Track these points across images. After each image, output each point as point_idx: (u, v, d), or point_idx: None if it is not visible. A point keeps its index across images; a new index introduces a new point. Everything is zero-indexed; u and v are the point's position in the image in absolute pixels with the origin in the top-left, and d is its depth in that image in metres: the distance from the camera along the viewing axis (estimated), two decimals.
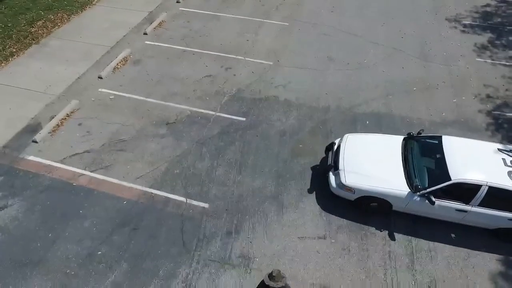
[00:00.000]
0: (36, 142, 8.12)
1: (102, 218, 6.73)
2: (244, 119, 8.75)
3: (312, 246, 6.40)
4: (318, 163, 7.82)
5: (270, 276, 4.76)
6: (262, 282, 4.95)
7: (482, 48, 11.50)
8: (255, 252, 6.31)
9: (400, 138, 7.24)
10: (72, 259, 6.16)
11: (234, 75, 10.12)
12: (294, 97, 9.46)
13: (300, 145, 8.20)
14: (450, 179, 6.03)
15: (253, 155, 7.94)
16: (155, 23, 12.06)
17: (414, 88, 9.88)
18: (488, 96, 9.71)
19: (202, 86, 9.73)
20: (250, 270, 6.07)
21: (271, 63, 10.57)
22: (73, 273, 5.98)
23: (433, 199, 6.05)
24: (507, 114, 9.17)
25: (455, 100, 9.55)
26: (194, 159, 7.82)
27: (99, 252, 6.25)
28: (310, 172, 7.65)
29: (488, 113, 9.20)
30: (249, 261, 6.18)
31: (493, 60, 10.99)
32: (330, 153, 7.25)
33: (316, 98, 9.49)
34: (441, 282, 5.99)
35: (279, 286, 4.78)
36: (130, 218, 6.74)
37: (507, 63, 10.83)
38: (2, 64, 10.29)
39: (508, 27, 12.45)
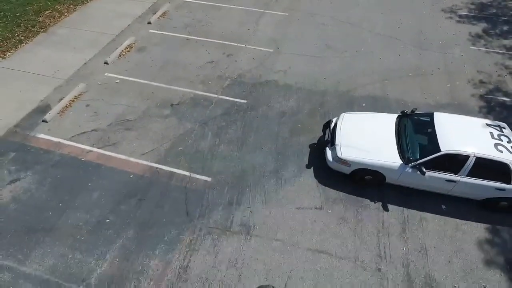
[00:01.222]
0: (46, 121, 8.54)
1: (110, 190, 7.13)
2: (245, 101, 9.15)
3: (309, 216, 6.78)
4: (316, 141, 8.23)
5: None
6: None
7: (477, 37, 11.88)
8: (255, 221, 6.69)
9: (394, 116, 7.63)
10: (82, 226, 6.56)
11: (236, 61, 10.53)
12: (293, 82, 9.85)
13: (299, 125, 8.58)
14: (440, 151, 6.40)
15: (253, 134, 8.34)
16: (158, 13, 12.50)
17: (410, 74, 10.25)
18: (481, 82, 10.08)
19: (204, 71, 10.13)
20: (250, 237, 6.44)
21: (271, 50, 10.98)
22: (83, 238, 6.37)
23: (424, 169, 6.43)
24: (499, 97, 9.54)
25: (449, 85, 9.92)
26: (197, 138, 8.20)
27: (107, 220, 6.65)
28: (308, 149, 8.03)
29: (481, 97, 9.58)
30: (249, 229, 6.57)
31: (487, 48, 11.38)
32: (327, 130, 7.65)
33: (315, 82, 9.88)
34: (431, 247, 6.36)
35: None
36: (137, 190, 7.14)
37: (500, 51, 11.22)
38: (12, 51, 10.74)
39: (502, 18, 12.81)
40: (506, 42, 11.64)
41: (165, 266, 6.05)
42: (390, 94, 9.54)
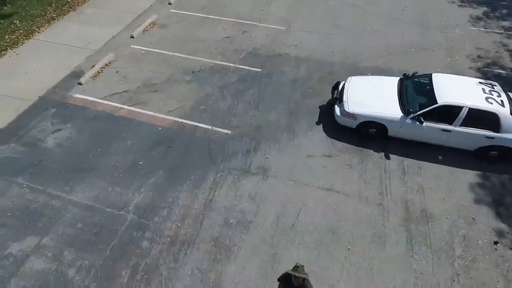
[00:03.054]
0: (80, 84, 9.54)
1: (141, 139, 8.09)
2: (260, 69, 10.08)
3: (319, 162, 7.66)
4: (325, 104, 9.09)
5: (294, 268, 4.40)
6: (286, 274, 4.71)
7: (477, 19, 12.69)
8: (271, 165, 7.59)
9: (397, 78, 8.51)
10: (119, 167, 7.51)
11: (250, 37, 11.47)
12: (304, 54, 10.76)
13: (310, 90, 9.49)
14: (437, 103, 7.29)
15: (268, 97, 9.26)
16: None
17: (412, 49, 11.11)
18: (479, 57, 10.89)
19: (222, 45, 11.08)
20: (267, 177, 7.35)
21: (283, 28, 11.91)
22: (120, 176, 7.33)
23: (422, 120, 7.28)
24: (495, 70, 10.35)
25: (448, 59, 10.75)
26: (217, 99, 9.15)
27: (140, 162, 7.59)
28: (318, 110, 8.93)
29: (478, 69, 10.39)
30: (266, 171, 7.47)
31: (486, 28, 12.19)
32: (336, 90, 8.52)
33: (324, 55, 10.78)
34: (427, 188, 7.20)
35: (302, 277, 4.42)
36: (165, 140, 8.09)
37: (499, 31, 12.03)
38: (45, 26, 11.83)
39: (502, 2, 13.61)
40: (504, 23, 12.46)
41: (193, 198, 6.98)
42: (394, 66, 10.39)
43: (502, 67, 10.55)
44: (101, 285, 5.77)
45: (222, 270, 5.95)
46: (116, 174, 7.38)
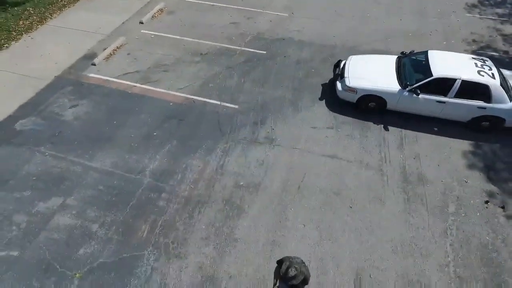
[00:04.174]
0: (94, 64, 10.07)
1: (154, 113, 8.63)
2: (265, 52, 10.64)
3: (322, 133, 8.20)
4: (327, 82, 9.62)
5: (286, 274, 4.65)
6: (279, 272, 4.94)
7: (472, 6, 13.27)
8: (277, 135, 8.15)
9: (395, 56, 9.07)
10: (134, 137, 8.03)
11: (255, 23, 12.02)
12: (306, 38, 11.32)
13: (312, 70, 10.06)
14: (432, 75, 7.85)
15: (273, 76, 9.81)
16: None
17: (410, 34, 11.67)
18: (474, 41, 11.45)
19: (228, 30, 11.62)
20: (274, 146, 7.89)
21: (286, 14, 12.46)
22: (136, 145, 7.86)
23: (419, 92, 7.81)
24: (489, 52, 10.91)
25: (445, 43, 11.30)
26: (225, 78, 9.70)
27: (155, 133, 8.12)
28: (321, 87, 9.48)
29: (473, 51, 10.95)
30: (272, 141, 8.03)
31: (481, 15, 12.75)
32: (337, 68, 9.04)
33: (326, 39, 11.35)
34: (424, 156, 7.74)
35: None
36: (177, 114, 8.63)
37: (493, 18, 12.60)
38: (57, 13, 12.34)
39: None
40: (498, 10, 13.04)
41: (205, 164, 7.52)
42: (392, 48, 10.93)
43: (495, 50, 11.10)
44: (123, 238, 6.31)
45: (234, 225, 6.49)
46: (132, 144, 7.92)
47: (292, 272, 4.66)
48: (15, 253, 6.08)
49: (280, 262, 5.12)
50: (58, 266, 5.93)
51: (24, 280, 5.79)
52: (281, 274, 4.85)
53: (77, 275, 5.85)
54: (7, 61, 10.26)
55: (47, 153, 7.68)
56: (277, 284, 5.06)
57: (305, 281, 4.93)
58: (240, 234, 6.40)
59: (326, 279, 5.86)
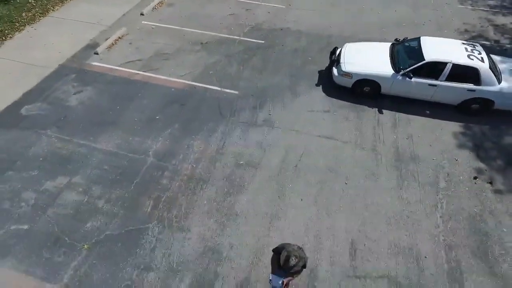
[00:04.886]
0: (97, 53, 10.38)
1: (156, 99, 8.96)
2: (263, 41, 11.01)
3: (319, 116, 8.57)
4: (324, 70, 9.95)
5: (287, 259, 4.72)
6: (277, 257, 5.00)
7: None
8: (275, 118, 8.51)
9: (389, 43, 9.45)
10: (137, 121, 8.37)
11: (253, 14, 12.38)
12: (304, 28, 11.69)
13: (309, 58, 10.43)
14: (424, 59, 8.23)
15: (271, 64, 10.18)
16: None
17: (404, 24, 12.06)
18: (466, 30, 11.84)
19: (227, 21, 11.97)
20: (272, 128, 8.26)
21: (284, 6, 12.84)
22: (139, 128, 8.19)
23: (412, 75, 8.17)
24: (480, 41, 11.25)
25: (438, 32, 11.67)
26: (224, 65, 10.06)
27: (157, 117, 8.46)
28: (317, 74, 9.84)
29: (466, 40, 11.26)
30: (270, 123, 8.39)
31: (473, 6, 13.16)
32: (333, 55, 9.40)
33: (322, 29, 11.74)
34: (416, 137, 8.11)
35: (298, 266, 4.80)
36: (178, 99, 8.97)
37: (485, 9, 13.02)
38: (59, 4, 12.65)
39: None
40: (490, 2, 13.47)
41: (206, 145, 7.86)
42: (387, 38, 11.28)
43: (487, 39, 11.49)
44: (128, 213, 6.62)
45: (234, 200, 6.83)
46: (135, 127, 8.24)
47: (293, 261, 4.75)
48: (25, 227, 6.40)
49: (276, 251, 5.14)
50: (66, 238, 6.26)
51: (35, 251, 6.10)
52: (281, 264, 4.88)
53: (86, 246, 6.18)
54: (11, 51, 10.57)
55: (53, 136, 8.00)
56: (270, 278, 5.00)
57: (305, 265, 5.06)
58: (240, 208, 6.74)
59: (323, 248, 6.21)
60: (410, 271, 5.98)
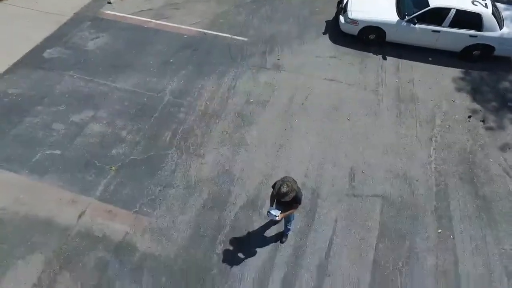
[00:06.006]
0: (110, 3, 10.78)
1: (169, 44, 9.51)
2: None
3: (325, 61, 9.10)
4: (331, 20, 10.29)
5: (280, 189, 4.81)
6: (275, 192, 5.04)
7: None
8: (283, 62, 9.07)
9: None
10: (153, 63, 8.96)
11: None
12: None
13: (317, 9, 10.79)
14: (429, 6, 8.59)
15: (280, 13, 10.58)
16: None
17: None
18: None
19: None
20: (280, 71, 8.85)
21: None
22: (155, 70, 8.79)
23: (416, 21, 8.54)
24: None
25: None
26: (234, 15, 10.48)
27: (171, 60, 9.04)
28: (325, 23, 10.21)
29: None
30: (279, 67, 8.95)
31: None
32: (340, 4, 9.73)
33: None
34: (417, 80, 8.68)
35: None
36: (190, 44, 9.50)
37: None
38: None
39: None
40: None
41: (218, 85, 8.49)
42: None
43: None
44: (149, 142, 7.39)
45: (245, 132, 7.57)
46: (151, 69, 8.84)
47: (284, 189, 4.80)
48: (58, 152, 7.21)
49: (274, 186, 5.24)
50: (96, 162, 7.06)
51: (69, 171, 6.93)
52: (274, 192, 5.03)
53: (113, 168, 6.99)
54: (27, 0, 10.96)
55: (75, 76, 8.64)
56: (268, 210, 5.15)
57: (297, 199, 5.08)
58: (251, 139, 7.46)
59: (325, 173, 6.97)
60: (403, 192, 6.76)
